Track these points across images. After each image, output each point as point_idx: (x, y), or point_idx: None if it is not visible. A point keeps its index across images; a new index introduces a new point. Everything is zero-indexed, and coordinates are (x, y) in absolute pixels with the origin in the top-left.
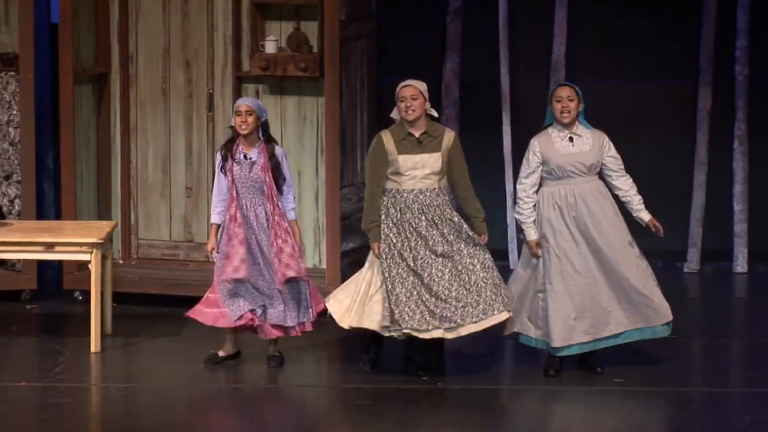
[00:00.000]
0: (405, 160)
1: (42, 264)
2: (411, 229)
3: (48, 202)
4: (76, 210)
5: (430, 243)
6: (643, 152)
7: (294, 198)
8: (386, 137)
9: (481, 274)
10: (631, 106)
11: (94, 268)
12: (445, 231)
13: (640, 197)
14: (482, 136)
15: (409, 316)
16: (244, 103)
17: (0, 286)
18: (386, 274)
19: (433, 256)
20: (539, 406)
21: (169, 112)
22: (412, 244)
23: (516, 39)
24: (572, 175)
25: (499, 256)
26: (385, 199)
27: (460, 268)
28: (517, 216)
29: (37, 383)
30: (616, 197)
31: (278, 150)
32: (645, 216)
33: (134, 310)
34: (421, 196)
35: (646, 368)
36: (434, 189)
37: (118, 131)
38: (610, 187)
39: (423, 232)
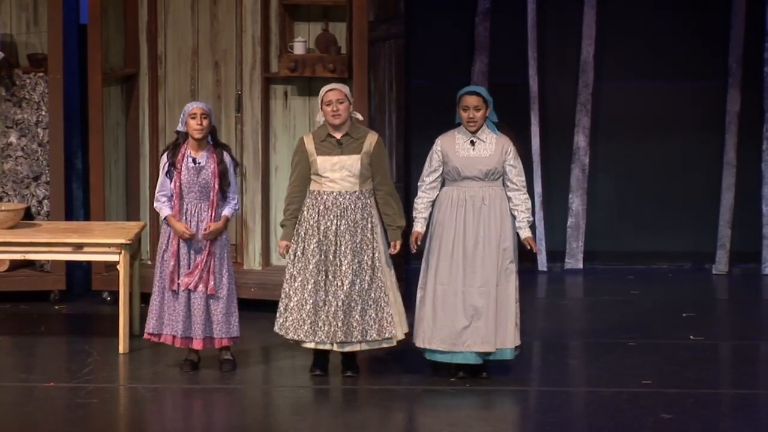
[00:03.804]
0: (323, 162)
1: (71, 264)
2: (326, 232)
3: (77, 203)
4: (105, 211)
5: (342, 249)
6: (672, 153)
7: (236, 204)
8: (307, 139)
9: (357, 297)
10: (659, 107)
11: (122, 269)
12: (357, 238)
13: (527, 216)
14: (510, 136)
15: (297, 326)
16: (199, 106)
17: (29, 286)
18: (288, 276)
19: (342, 262)
20: (562, 407)
21: None
22: (323, 247)
23: (544, 40)
24: (468, 178)
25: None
26: (307, 200)
27: (358, 281)
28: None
29: (65, 383)
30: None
31: (227, 157)
32: (522, 233)
33: None
34: (340, 198)
35: (675, 370)
36: (354, 192)
37: (146, 132)
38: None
39: (335, 237)
